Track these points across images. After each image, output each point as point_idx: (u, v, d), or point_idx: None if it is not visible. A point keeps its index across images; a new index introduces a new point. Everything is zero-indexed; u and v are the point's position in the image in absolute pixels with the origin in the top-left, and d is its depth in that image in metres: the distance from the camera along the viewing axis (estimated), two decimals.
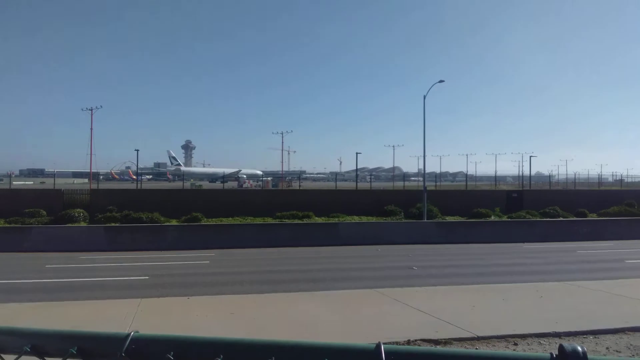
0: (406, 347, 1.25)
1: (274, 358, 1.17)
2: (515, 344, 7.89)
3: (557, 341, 7.99)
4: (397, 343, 7.24)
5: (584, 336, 8.31)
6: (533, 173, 67.00)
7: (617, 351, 7.56)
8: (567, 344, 1.11)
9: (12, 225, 28.69)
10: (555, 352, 1.12)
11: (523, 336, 8.21)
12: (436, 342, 7.86)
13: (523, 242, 26.53)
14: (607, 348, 7.72)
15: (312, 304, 10.82)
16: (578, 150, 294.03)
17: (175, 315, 9.72)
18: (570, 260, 20.49)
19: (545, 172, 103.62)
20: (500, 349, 7.61)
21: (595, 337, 8.28)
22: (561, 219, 35.69)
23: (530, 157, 60.12)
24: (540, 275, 16.23)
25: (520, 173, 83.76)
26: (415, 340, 7.83)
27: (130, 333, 1.26)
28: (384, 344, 1.17)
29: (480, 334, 8.32)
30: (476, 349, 7.49)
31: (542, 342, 8.02)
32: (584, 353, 1.10)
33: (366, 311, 10.27)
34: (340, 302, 11.18)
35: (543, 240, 27.18)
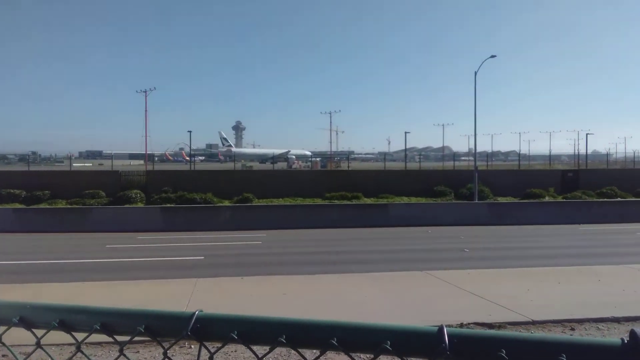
0: (470, 330, 1.23)
1: (335, 339, 1.18)
2: (572, 329, 7.70)
3: (616, 326, 7.74)
4: (449, 326, 7.18)
5: None
6: (589, 151, 64.52)
7: None
8: (639, 328, 1.07)
9: (73, 207, 29.94)
10: (626, 338, 1.08)
11: (580, 321, 7.99)
12: (490, 325, 7.75)
13: (579, 223, 25.72)
14: None
15: (363, 286, 10.85)
16: (638, 126, 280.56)
17: (231, 295, 9.95)
18: (629, 243, 19.75)
19: (603, 151, 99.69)
20: (556, 334, 7.44)
21: None
22: (619, 199, 34.33)
23: (587, 134, 57.82)
24: (598, 257, 15.73)
25: (576, 151, 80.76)
26: (469, 324, 7.75)
27: (196, 312, 1.29)
28: (446, 326, 1.16)
29: (536, 318, 8.14)
30: (532, 333, 7.36)
31: (600, 327, 7.78)
32: None
33: (417, 293, 10.22)
34: (391, 284, 11.17)
35: (600, 221, 26.26)
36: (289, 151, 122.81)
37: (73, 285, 11.19)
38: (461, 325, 7.64)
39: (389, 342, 1.15)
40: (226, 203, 32.06)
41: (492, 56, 36.41)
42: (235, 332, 1.25)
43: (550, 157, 66.88)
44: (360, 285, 10.87)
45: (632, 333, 1.08)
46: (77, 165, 71.25)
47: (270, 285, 11.03)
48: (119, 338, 1.35)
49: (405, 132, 59.80)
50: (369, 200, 33.96)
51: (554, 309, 8.73)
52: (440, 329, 1.16)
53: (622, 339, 1.08)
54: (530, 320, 8.08)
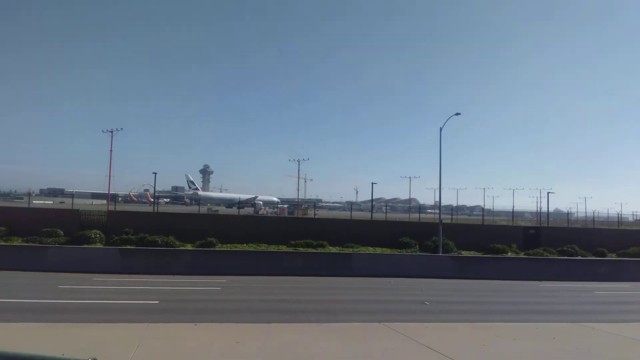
0: None
1: None
2: None
3: None
4: None
5: None
6: (551, 210, 66.18)
7: None
8: None
9: (28, 245, 29.03)
10: None
11: None
12: None
13: (540, 280, 26.08)
14: None
15: (320, 337, 10.67)
16: (598, 188, 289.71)
17: (180, 341, 9.64)
18: (587, 301, 20.05)
19: (564, 209, 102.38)
20: None
21: None
22: (579, 257, 35.07)
23: (548, 193, 59.37)
24: (555, 315, 15.90)
25: (538, 209, 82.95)
26: None
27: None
28: None
29: None
30: None
31: None
32: None
33: (374, 347, 10.08)
34: (348, 336, 11.01)
35: (560, 279, 26.69)
36: (257, 197, 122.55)
37: (14, 325, 10.68)
38: None
39: None
40: (188, 246, 31.53)
41: (457, 114, 37.43)
42: None
43: (514, 214, 68.20)
44: (316, 336, 10.68)
45: None
46: (37, 202, 69.55)
47: (224, 332, 10.74)
48: None
49: (372, 183, 60.25)
50: (334, 249, 33.87)
51: None
52: None
53: None
54: None
